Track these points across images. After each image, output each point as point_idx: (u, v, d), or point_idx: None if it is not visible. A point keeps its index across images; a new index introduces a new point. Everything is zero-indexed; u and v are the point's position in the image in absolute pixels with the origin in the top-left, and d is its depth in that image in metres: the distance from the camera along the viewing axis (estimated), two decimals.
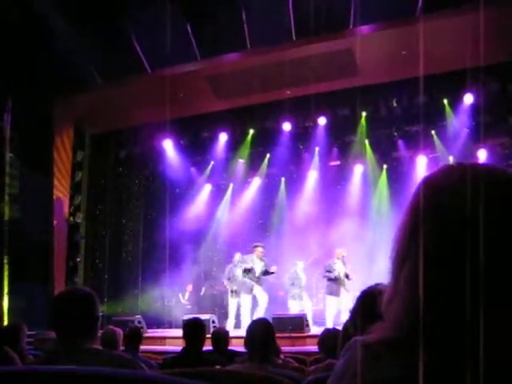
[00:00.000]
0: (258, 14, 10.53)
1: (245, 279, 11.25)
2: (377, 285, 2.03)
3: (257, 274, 11.23)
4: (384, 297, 0.87)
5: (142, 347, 8.95)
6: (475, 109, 11.72)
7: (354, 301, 2.24)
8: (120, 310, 13.10)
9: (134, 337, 5.58)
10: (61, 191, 13.14)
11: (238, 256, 11.83)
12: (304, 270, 11.77)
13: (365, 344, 0.84)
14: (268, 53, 11.17)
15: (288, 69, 11.17)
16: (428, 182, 0.87)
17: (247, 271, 11.26)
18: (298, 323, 9.57)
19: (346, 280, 11.11)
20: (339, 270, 11.03)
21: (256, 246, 11.47)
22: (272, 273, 11.34)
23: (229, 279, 11.69)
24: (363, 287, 2.16)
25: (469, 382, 0.72)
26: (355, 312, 2.17)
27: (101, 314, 2.49)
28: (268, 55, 11.19)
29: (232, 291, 11.65)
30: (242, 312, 11.15)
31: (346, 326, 3.05)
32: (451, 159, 12.37)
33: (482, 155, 12.15)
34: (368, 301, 2.00)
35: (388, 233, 11.87)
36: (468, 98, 11.73)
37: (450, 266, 0.77)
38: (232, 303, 11.65)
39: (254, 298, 11.36)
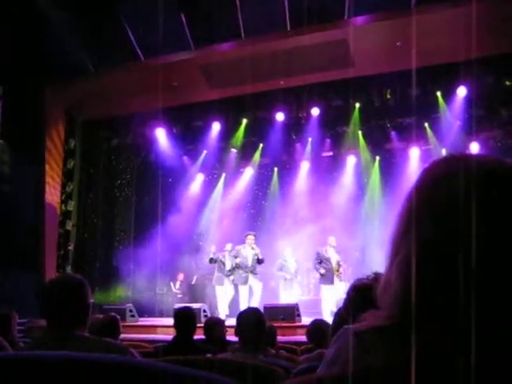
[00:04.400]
0: (252, 3, 10.48)
1: (239, 271, 11.25)
2: (369, 275, 2.04)
3: (250, 264, 11.23)
4: (379, 285, 0.87)
5: (134, 336, 9.01)
6: (468, 101, 11.75)
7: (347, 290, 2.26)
8: (111, 298, 13.10)
9: (111, 327, 4.81)
10: (52, 179, 13.08)
11: (229, 246, 11.85)
12: (293, 256, 11.76)
13: (356, 332, 0.84)
14: (262, 42, 11.13)
15: (282, 59, 11.14)
16: (425, 172, 0.87)
17: (238, 266, 11.27)
18: (289, 313, 9.60)
19: (339, 268, 11.03)
20: (332, 257, 11.00)
21: (247, 235, 11.49)
22: (263, 261, 11.31)
23: (215, 262, 11.67)
24: (355, 276, 2.17)
25: (459, 373, 0.72)
26: (348, 301, 2.18)
27: (91, 301, 2.48)
28: (262, 45, 11.15)
29: (215, 279, 11.69)
30: (240, 302, 11.13)
31: (337, 315, 3.06)
32: (444, 151, 12.42)
33: (475, 148, 12.19)
34: (361, 290, 2.00)
35: (380, 223, 11.93)
36: (461, 91, 11.76)
37: (442, 256, 0.77)
38: (219, 292, 11.65)
39: (250, 288, 11.38)
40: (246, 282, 11.21)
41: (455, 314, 0.73)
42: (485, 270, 0.74)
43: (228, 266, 11.51)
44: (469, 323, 0.72)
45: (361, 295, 1.99)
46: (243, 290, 11.22)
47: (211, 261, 11.70)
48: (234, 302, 11.44)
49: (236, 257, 11.27)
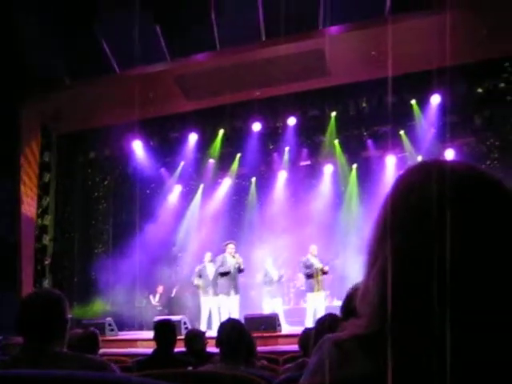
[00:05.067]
0: (227, 14, 10.51)
1: (221, 281, 11.14)
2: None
3: (232, 273, 11.14)
4: (358, 294, 0.88)
5: (114, 350, 8.91)
6: (442, 109, 11.90)
7: (328, 298, 2.28)
8: (90, 312, 12.94)
9: (91, 342, 4.75)
10: (28, 192, 12.93)
11: (208, 256, 11.78)
12: (274, 265, 11.77)
13: (337, 341, 0.84)
14: (238, 53, 11.16)
15: (258, 69, 11.19)
16: (400, 179, 0.88)
17: (224, 274, 11.17)
18: (270, 323, 9.58)
19: (322, 276, 11.02)
20: (315, 266, 11.01)
21: (227, 244, 11.42)
22: (243, 270, 11.23)
23: (200, 276, 11.62)
24: (333, 285, 2.18)
25: (435, 376, 0.72)
26: (343, 309, 2.19)
27: (69, 316, 2.44)
28: (238, 55, 11.18)
29: (201, 290, 11.60)
30: (221, 313, 11.03)
31: (319, 323, 3.06)
32: (419, 159, 12.55)
33: (450, 155, 12.34)
34: (350, 299, 2.01)
35: (358, 231, 11.99)
36: (435, 99, 11.91)
37: (417, 261, 0.77)
38: (204, 303, 11.57)
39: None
40: (228, 292, 11.11)
41: (431, 318, 0.74)
42: (459, 274, 0.75)
43: (211, 276, 11.43)
44: (444, 326, 0.73)
45: (350, 304, 2.00)
46: (224, 300, 11.14)
47: (200, 277, 11.62)
48: (216, 313, 11.35)
49: (221, 267, 11.15)
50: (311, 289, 10.94)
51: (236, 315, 10.39)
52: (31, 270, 12.98)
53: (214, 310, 11.28)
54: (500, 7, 9.46)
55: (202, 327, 10.78)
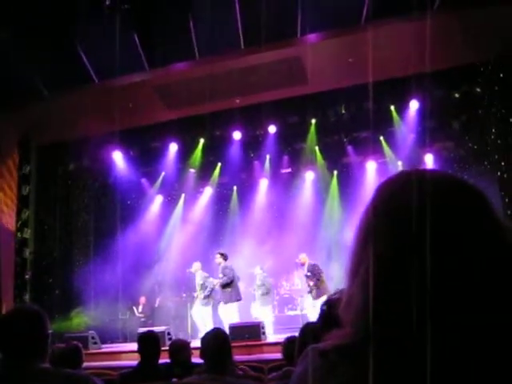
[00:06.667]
0: (205, 23, 10.51)
1: (223, 289, 11.08)
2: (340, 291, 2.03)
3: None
4: (341, 302, 0.88)
5: (98, 363, 8.82)
6: (421, 114, 12.01)
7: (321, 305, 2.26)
8: (73, 326, 12.80)
9: (74, 356, 4.69)
10: (7, 206, 12.77)
11: (196, 265, 11.67)
12: (261, 274, 11.76)
13: (321, 351, 0.84)
14: (217, 62, 11.16)
15: (237, 77, 11.21)
16: (382, 187, 0.88)
17: (227, 285, 11.11)
18: (254, 331, 9.55)
19: (325, 283, 10.91)
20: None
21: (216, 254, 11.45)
22: (222, 285, 11.11)
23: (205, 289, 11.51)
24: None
25: (420, 382, 0.73)
26: (321, 316, 2.18)
27: (50, 331, 2.40)
28: (217, 64, 11.18)
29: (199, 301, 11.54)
30: (224, 321, 10.93)
31: (302, 331, 3.05)
32: (400, 164, 12.66)
33: (429, 159, 12.45)
34: (331, 307, 2.00)
35: (340, 237, 12.03)
36: (414, 104, 12.02)
37: (399, 268, 0.78)
38: (195, 312, 11.47)
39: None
40: (226, 300, 11.05)
41: (412, 321, 0.74)
42: (440, 278, 0.75)
43: (198, 286, 11.35)
44: (425, 329, 0.74)
45: (330, 310, 1.99)
46: (222, 308, 11.07)
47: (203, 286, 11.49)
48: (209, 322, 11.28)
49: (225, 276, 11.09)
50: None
51: (225, 324, 10.38)
52: (11, 284, 12.81)
53: (207, 320, 11.21)
54: (475, 14, 9.59)
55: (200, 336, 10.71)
